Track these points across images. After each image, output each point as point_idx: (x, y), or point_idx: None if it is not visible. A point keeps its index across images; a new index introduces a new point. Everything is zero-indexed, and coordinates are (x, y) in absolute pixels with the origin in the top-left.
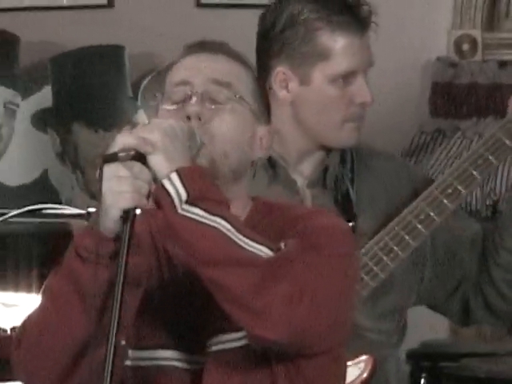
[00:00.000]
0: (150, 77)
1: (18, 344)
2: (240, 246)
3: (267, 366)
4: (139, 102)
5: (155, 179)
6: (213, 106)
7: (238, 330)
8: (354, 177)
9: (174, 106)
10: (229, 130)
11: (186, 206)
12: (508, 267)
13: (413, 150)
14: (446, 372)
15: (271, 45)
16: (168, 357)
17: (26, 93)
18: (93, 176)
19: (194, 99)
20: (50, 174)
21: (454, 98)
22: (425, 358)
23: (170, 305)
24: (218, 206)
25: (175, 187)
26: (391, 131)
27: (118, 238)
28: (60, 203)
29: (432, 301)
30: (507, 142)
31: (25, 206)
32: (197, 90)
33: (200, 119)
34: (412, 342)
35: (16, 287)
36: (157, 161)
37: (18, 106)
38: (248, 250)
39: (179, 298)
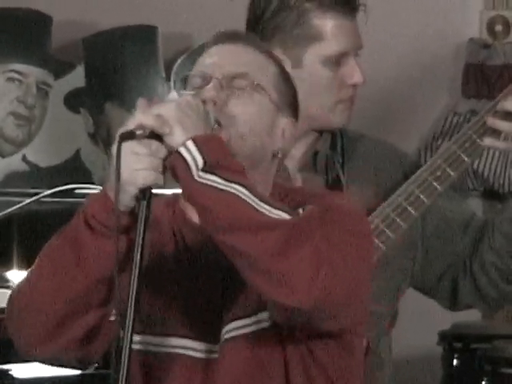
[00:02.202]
0: (182, 57)
1: (11, 301)
2: (258, 211)
3: (281, 350)
4: (172, 82)
5: (171, 153)
6: (229, 92)
7: (250, 315)
8: (344, 161)
9: (192, 92)
10: (245, 112)
11: (202, 174)
12: (500, 252)
13: (446, 131)
14: (478, 353)
15: (262, 30)
16: (181, 345)
17: (58, 73)
18: None
19: (211, 85)
20: (83, 154)
21: (487, 79)
22: (457, 340)
23: (185, 293)
24: (235, 173)
25: (192, 154)
26: (424, 112)
27: (131, 213)
28: (92, 183)
29: (423, 283)
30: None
31: (57, 187)
32: (216, 76)
33: (215, 104)
34: (444, 323)
35: None
36: (173, 134)
37: (50, 86)
38: (267, 215)
39: (195, 287)
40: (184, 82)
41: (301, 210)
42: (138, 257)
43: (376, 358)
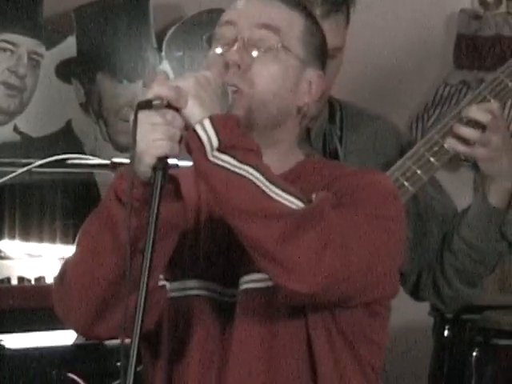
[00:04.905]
0: (174, 27)
1: (59, 283)
2: (269, 197)
3: (301, 310)
4: (163, 53)
5: (187, 126)
6: (254, 54)
7: None
8: (342, 135)
9: (219, 50)
10: (268, 77)
11: (216, 154)
12: (458, 254)
13: (437, 101)
14: (469, 324)
15: None
16: (199, 286)
17: (50, 43)
18: (116, 126)
19: (236, 46)
20: (74, 124)
21: (479, 49)
22: None
23: (205, 239)
24: (249, 155)
25: (207, 133)
26: (416, 83)
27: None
28: (84, 154)
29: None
30: (492, 100)
31: (49, 157)
32: (242, 34)
33: (239, 67)
34: None
35: (40, 238)
36: (190, 107)
37: (42, 56)
38: (277, 201)
39: (216, 235)
40: (209, 40)
41: (314, 196)
42: (153, 226)
43: None
